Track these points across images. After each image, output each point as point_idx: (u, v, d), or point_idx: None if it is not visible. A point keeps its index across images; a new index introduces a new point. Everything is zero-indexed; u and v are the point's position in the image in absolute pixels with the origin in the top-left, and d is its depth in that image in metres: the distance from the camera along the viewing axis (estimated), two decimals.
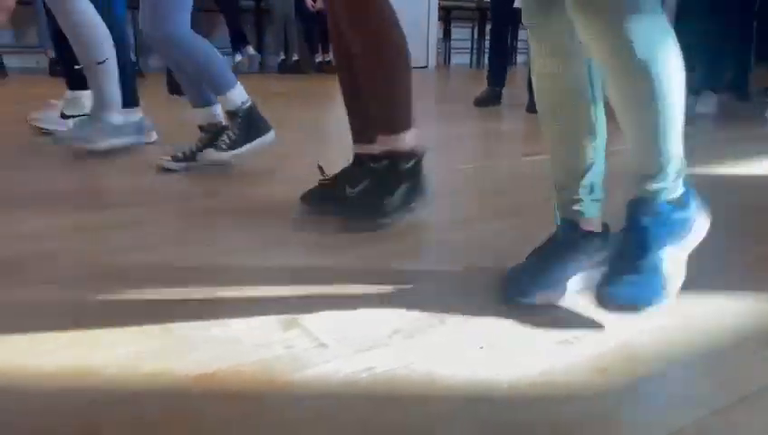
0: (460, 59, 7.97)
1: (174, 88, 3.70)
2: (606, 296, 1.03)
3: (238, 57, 5.81)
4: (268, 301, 1.13)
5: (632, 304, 1.03)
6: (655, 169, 1.05)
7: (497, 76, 4.02)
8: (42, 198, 1.73)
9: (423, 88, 5.20)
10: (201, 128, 2.14)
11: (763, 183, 2.17)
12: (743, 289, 1.22)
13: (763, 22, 4.29)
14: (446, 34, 7.79)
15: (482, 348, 0.98)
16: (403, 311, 1.10)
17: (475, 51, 7.92)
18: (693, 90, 3.81)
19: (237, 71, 5.69)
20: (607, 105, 1.09)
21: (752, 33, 4.16)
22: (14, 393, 0.84)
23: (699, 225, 1.13)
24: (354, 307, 1.11)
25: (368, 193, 1.60)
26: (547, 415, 0.82)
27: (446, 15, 7.62)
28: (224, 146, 2.03)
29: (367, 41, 1.51)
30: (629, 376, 0.91)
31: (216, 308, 1.10)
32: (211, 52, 2.02)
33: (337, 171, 1.68)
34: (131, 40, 3.86)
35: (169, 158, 2.08)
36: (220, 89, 2.03)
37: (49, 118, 2.61)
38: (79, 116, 2.57)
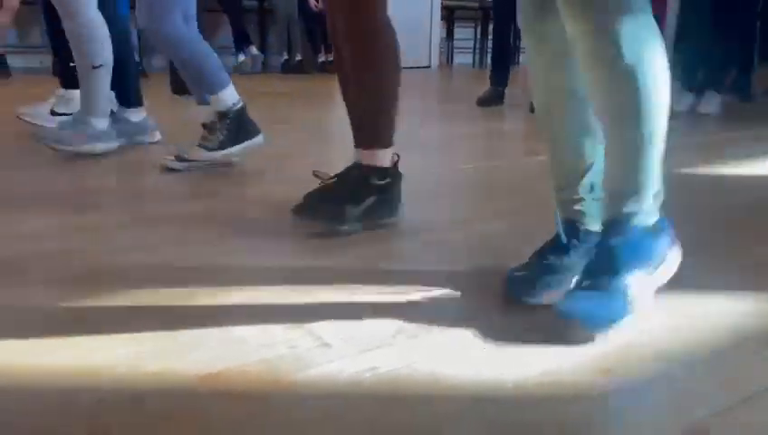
0: (463, 59, 7.96)
1: (177, 88, 3.70)
2: (564, 311, 1.01)
3: (241, 57, 5.82)
4: (271, 301, 1.14)
5: (591, 321, 1.00)
6: (631, 188, 1.03)
7: (500, 76, 4.02)
8: (42, 198, 1.74)
9: (426, 88, 5.20)
10: (205, 126, 2.14)
11: (766, 183, 2.18)
12: (744, 289, 1.23)
13: (766, 22, 4.29)
14: (449, 34, 7.79)
15: (485, 348, 0.98)
16: (406, 311, 1.10)
17: (477, 50, 7.92)
18: (696, 90, 3.81)
19: (240, 71, 5.71)
20: None
21: (755, 34, 4.16)
22: (16, 394, 0.84)
23: (672, 258, 1.10)
24: (356, 307, 1.12)
25: (330, 199, 1.55)
26: (553, 415, 0.83)
27: (449, 15, 7.61)
28: (212, 146, 2.04)
29: (357, 49, 1.51)
30: (633, 376, 0.92)
31: (219, 308, 1.10)
32: (206, 49, 2.03)
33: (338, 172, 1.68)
34: (135, 40, 3.87)
35: (173, 157, 2.08)
36: (212, 88, 2.04)
37: (38, 113, 2.61)
38: (69, 114, 2.58)
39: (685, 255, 1.19)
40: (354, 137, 1.58)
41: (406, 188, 1.62)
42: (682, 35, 4.01)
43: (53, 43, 2.60)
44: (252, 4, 6.38)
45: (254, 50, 5.89)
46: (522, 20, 1.13)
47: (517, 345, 0.99)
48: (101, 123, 2.32)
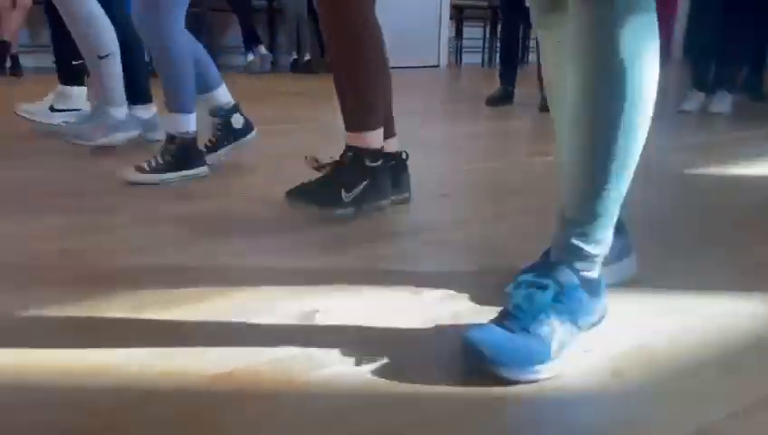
0: (472, 58, 7.95)
1: None
2: (470, 339, 0.90)
3: (250, 57, 5.83)
4: (275, 301, 1.14)
5: (496, 358, 0.88)
6: (585, 216, 0.97)
7: (508, 75, 4.01)
8: (42, 199, 1.74)
9: (434, 87, 5.20)
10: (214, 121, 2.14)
11: None
12: (758, 290, 1.22)
13: None
14: (458, 33, 7.78)
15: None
16: (411, 312, 1.11)
17: (486, 50, 7.90)
18: (707, 89, 3.79)
19: (249, 70, 5.72)
20: None
21: (766, 33, 4.13)
22: (29, 393, 0.85)
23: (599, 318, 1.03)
24: (363, 308, 1.12)
25: (326, 183, 1.61)
26: (564, 416, 0.83)
27: (458, 14, 7.60)
28: (146, 167, 1.91)
29: (338, 40, 1.58)
30: (647, 377, 0.91)
31: (227, 308, 1.11)
32: (189, 67, 1.94)
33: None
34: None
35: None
36: (175, 105, 1.94)
37: (38, 110, 2.64)
38: (68, 110, 2.61)
39: (694, 255, 1.19)
40: (344, 121, 1.65)
41: None
42: (693, 35, 3.99)
43: (55, 41, 2.63)
44: (261, 3, 6.40)
45: (263, 49, 5.90)
46: (532, 13, 1.12)
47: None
48: (120, 113, 2.35)
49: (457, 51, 7.86)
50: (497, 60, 4.85)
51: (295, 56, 6.20)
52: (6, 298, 1.12)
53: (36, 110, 2.64)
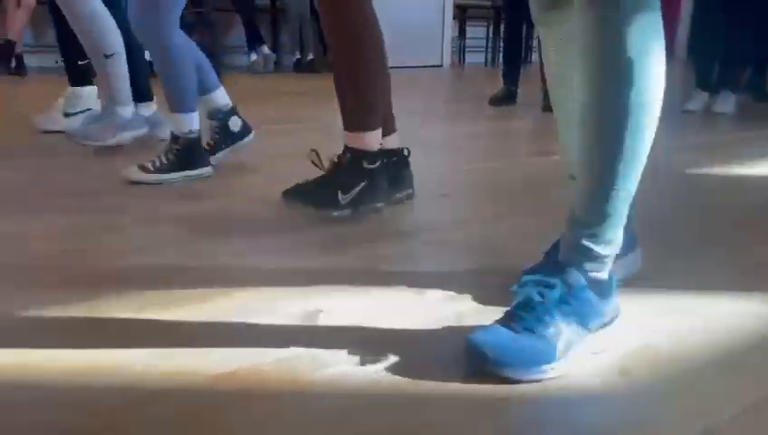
0: (475, 58, 7.95)
1: None
2: (473, 341, 0.90)
3: (254, 56, 5.84)
4: (277, 301, 1.14)
5: (499, 359, 0.88)
6: (595, 217, 0.96)
7: (511, 74, 4.01)
8: (49, 198, 1.75)
9: (437, 87, 5.19)
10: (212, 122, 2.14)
11: None
12: (758, 290, 1.22)
13: None
14: (461, 33, 7.77)
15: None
16: (414, 312, 1.11)
17: (490, 49, 7.90)
18: (711, 89, 3.79)
19: (253, 70, 5.73)
20: None
21: None
22: (33, 393, 0.85)
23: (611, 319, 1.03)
24: (366, 308, 1.12)
25: (323, 184, 1.61)
26: (570, 416, 0.83)
27: (462, 14, 7.60)
28: (150, 166, 1.92)
29: (338, 40, 1.58)
30: (654, 377, 0.91)
31: (229, 308, 1.11)
32: (189, 66, 1.93)
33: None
34: None
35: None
36: (177, 105, 1.95)
37: (51, 119, 2.64)
38: (80, 113, 2.61)
39: (694, 254, 1.18)
40: (343, 121, 1.65)
41: None
42: (696, 35, 3.98)
43: (61, 43, 2.63)
44: (264, 3, 6.41)
45: (266, 49, 5.91)
46: (534, 11, 1.12)
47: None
48: (127, 111, 2.37)
49: (460, 50, 7.86)
50: (500, 59, 4.85)
51: (298, 56, 6.20)
52: (6, 298, 1.13)
53: (49, 119, 2.63)
